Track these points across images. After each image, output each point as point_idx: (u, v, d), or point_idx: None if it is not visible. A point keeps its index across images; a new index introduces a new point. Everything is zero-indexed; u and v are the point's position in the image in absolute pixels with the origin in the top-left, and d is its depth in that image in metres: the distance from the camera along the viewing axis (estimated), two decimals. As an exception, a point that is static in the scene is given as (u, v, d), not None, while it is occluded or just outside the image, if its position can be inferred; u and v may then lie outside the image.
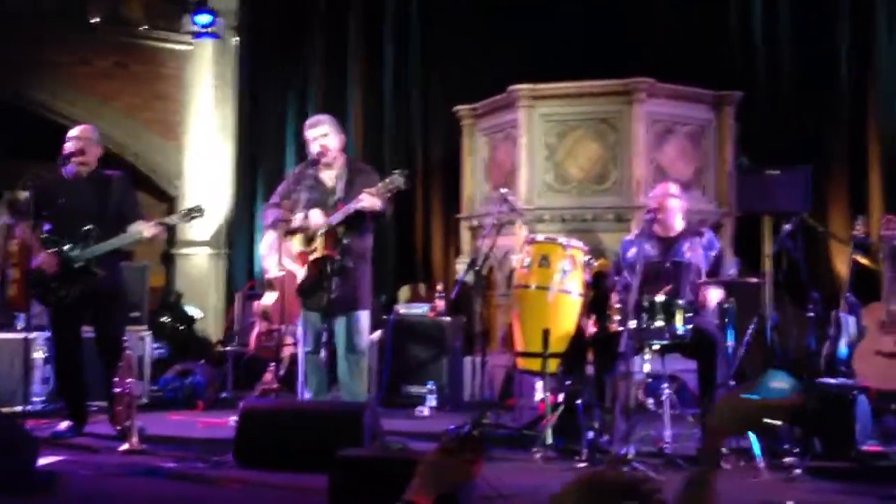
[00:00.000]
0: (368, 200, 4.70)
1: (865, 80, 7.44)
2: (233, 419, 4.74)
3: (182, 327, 8.15)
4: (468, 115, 7.50)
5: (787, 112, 7.42)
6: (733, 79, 7.26)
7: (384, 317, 6.78)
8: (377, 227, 5.14)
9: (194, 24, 8.60)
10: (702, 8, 7.62)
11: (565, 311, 4.78)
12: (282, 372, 6.27)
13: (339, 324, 4.87)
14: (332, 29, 8.80)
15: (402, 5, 8.53)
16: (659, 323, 4.37)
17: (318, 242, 4.79)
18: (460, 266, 7.07)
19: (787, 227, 5.15)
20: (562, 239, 4.93)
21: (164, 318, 8.03)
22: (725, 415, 1.76)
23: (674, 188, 5.07)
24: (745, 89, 7.13)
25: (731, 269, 5.33)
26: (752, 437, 4.10)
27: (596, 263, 5.21)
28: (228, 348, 7.14)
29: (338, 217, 4.77)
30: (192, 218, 5.01)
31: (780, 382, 1.72)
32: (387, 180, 4.74)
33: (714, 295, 4.72)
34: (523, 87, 6.78)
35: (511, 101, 6.89)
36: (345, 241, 4.80)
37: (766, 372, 1.72)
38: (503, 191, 5.52)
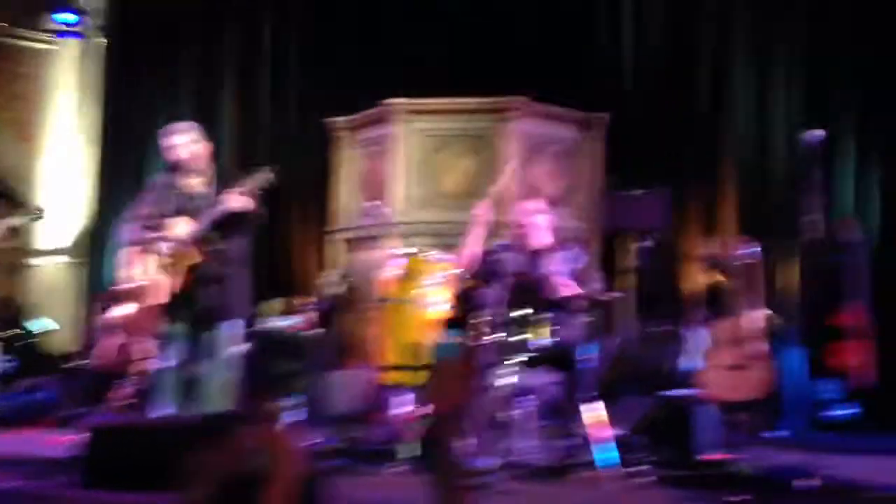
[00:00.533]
0: (238, 201, 4.61)
1: (721, 104, 7.86)
2: (81, 437, 4.52)
3: (33, 340, 7.75)
4: (343, 128, 7.48)
5: (652, 134, 7.75)
6: (602, 100, 7.52)
7: (249, 329, 6.64)
8: (252, 232, 5.02)
9: (57, 22, 8.25)
10: (573, 32, 7.87)
11: (432, 324, 4.81)
12: (137, 387, 6.02)
13: (209, 334, 4.74)
14: (206, 34, 8.61)
15: (280, 14, 8.44)
16: (523, 336, 4.46)
17: (189, 250, 4.64)
18: (331, 279, 7.02)
19: (645, 244, 5.36)
20: (431, 252, 4.96)
21: (15, 331, 7.61)
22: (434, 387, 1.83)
23: (540, 204, 5.19)
24: (612, 111, 7.41)
25: (595, 285, 5.50)
26: (604, 447, 4.23)
27: (467, 278, 5.27)
28: (80, 362, 6.82)
29: (208, 221, 4.65)
30: (33, 220, 4.77)
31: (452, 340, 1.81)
32: (256, 176, 4.66)
33: (578, 307, 4.84)
34: (399, 102, 6.82)
35: (387, 114, 6.91)
36: (219, 247, 4.68)
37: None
38: (375, 203, 5.52)
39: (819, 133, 4.26)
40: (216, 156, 5.15)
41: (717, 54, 7.87)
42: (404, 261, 4.93)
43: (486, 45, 7.82)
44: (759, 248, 5.58)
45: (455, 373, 1.90)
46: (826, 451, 4.61)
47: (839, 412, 6.73)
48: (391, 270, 5.14)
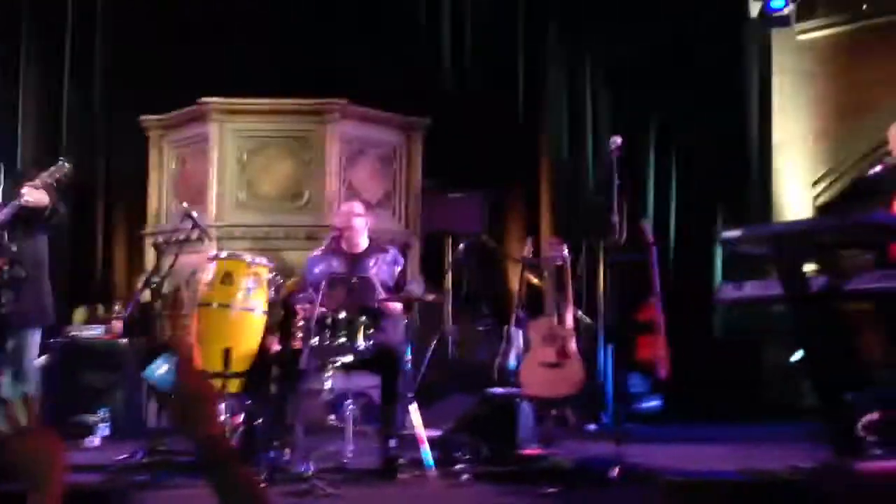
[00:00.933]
0: (32, 195, 4.28)
1: (538, 111, 8.16)
2: None
3: None
4: (156, 127, 7.16)
5: (472, 138, 7.92)
6: (423, 104, 7.61)
7: (53, 339, 6.22)
8: (52, 232, 4.68)
9: None
10: (394, 36, 7.92)
11: (248, 329, 4.66)
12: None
13: (8, 343, 4.37)
14: (2, 30, 7.98)
15: (86, 6, 7.96)
16: (342, 339, 4.42)
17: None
18: (144, 284, 6.68)
19: (462, 246, 5.46)
20: (246, 256, 4.82)
21: None
22: (183, 426, 1.81)
23: (359, 207, 5.17)
24: (433, 115, 7.51)
25: (415, 286, 5.54)
26: (425, 446, 4.27)
27: (288, 282, 5.17)
28: None
29: (-2, 219, 4.28)
30: None
31: (161, 370, 1.81)
32: (51, 169, 4.35)
33: (397, 309, 4.85)
34: (215, 101, 6.62)
35: (202, 113, 6.68)
36: (13, 247, 4.32)
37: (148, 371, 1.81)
38: (187, 206, 5.31)
39: (618, 139, 4.48)
40: (13, 152, 4.78)
41: (533, 62, 8.16)
42: (219, 265, 4.75)
43: (308, 47, 7.72)
44: (568, 250, 5.82)
45: (188, 399, 1.83)
46: (635, 441, 4.85)
47: (645, 404, 7.13)
48: (207, 274, 4.94)
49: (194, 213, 5.24)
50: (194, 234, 5.83)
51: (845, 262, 3.79)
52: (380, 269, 4.95)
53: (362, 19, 7.81)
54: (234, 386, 4.58)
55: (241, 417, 4.52)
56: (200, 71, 7.52)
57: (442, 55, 8.03)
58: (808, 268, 3.92)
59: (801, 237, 3.55)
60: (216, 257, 4.84)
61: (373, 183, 7.08)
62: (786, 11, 8.70)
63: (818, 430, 3.75)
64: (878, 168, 3.94)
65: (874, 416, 5.09)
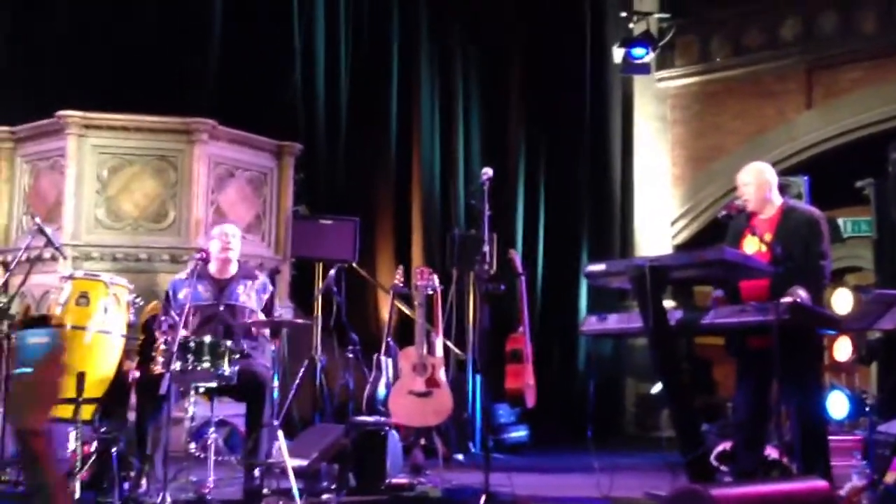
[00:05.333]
0: None
1: (411, 144, 8.23)
2: None
3: None
4: (6, 139, 6.76)
5: (344, 166, 7.89)
6: (296, 130, 7.52)
7: None
8: None
9: None
10: (268, 60, 7.80)
11: (105, 352, 4.43)
12: None
13: None
14: None
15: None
16: (205, 365, 4.25)
17: None
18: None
19: (332, 273, 5.38)
20: (104, 276, 4.59)
21: None
22: (15, 404, 1.78)
23: (233, 230, 4.99)
24: (306, 141, 7.43)
25: (284, 312, 5.42)
26: (290, 476, 4.15)
27: (148, 307, 4.95)
28: None
29: None
30: None
31: (35, 338, 1.79)
32: None
33: (264, 335, 4.73)
34: (73, 114, 6.31)
35: (59, 127, 6.36)
36: None
37: (20, 335, 1.78)
38: (38, 221, 5.02)
39: (489, 170, 4.54)
40: None
41: (406, 96, 8.25)
42: (74, 284, 4.50)
43: (178, 66, 7.49)
44: (438, 280, 5.84)
45: (36, 384, 1.79)
46: (503, 470, 4.88)
47: (513, 434, 7.22)
48: (60, 295, 4.67)
49: (48, 230, 4.95)
50: (47, 253, 5.52)
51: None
52: (248, 297, 4.81)
53: (237, 41, 7.66)
54: (87, 413, 4.33)
55: (94, 446, 4.26)
56: (59, 83, 7.17)
57: (316, 81, 7.98)
58: (667, 303, 4.08)
59: (657, 272, 3.68)
60: (71, 277, 4.58)
61: (242, 206, 6.91)
62: (646, 59, 9.18)
63: (676, 460, 3.87)
64: (725, 211, 4.14)
65: (725, 445, 5.34)
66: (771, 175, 4.21)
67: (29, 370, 1.74)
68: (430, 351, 5.74)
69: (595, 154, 9.36)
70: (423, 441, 5.64)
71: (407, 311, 6.50)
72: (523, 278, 6.08)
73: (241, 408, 4.77)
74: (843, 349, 6.49)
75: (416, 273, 5.91)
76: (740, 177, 4.22)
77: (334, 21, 8.16)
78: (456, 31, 8.78)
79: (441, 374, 5.64)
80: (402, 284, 6.11)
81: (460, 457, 6.34)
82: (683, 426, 3.86)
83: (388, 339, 6.20)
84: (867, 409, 5.16)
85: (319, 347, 6.37)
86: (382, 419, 5.27)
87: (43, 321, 4.72)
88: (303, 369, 5.92)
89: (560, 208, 9.03)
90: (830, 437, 4.32)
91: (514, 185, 8.74)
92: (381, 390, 5.83)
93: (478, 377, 6.31)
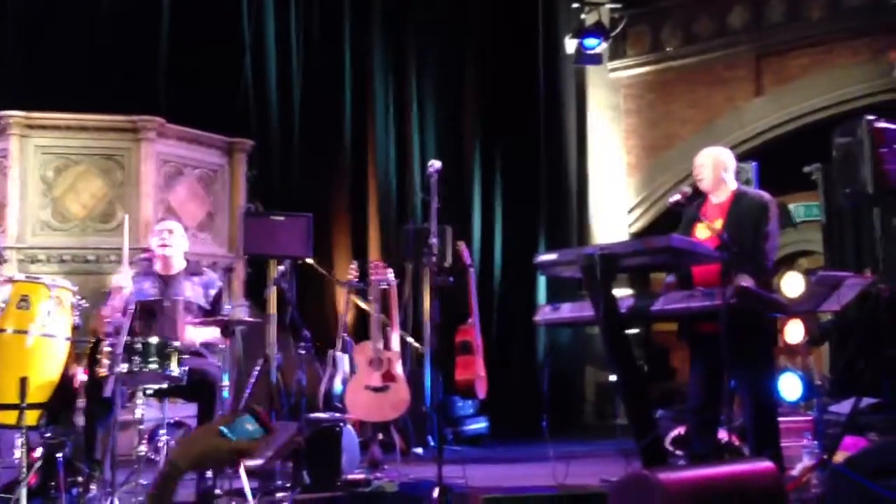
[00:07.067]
0: None
1: (365, 139, 8.18)
2: None
3: None
4: (-53, 140, 6.58)
5: (298, 162, 7.81)
6: (247, 127, 7.44)
7: None
8: None
9: None
10: (216, 54, 7.70)
11: (48, 356, 4.32)
12: None
13: None
14: None
15: None
16: (153, 366, 4.17)
17: None
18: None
19: (281, 268, 5.32)
20: (46, 278, 4.48)
21: None
22: (194, 449, 1.73)
23: (173, 226, 4.91)
24: (258, 138, 7.34)
25: (237, 310, 5.35)
26: (243, 475, 4.10)
27: (96, 311, 4.85)
28: None
29: None
30: None
31: (251, 425, 1.75)
32: None
33: (203, 334, 4.64)
34: (15, 114, 6.17)
35: (0, 128, 6.21)
36: None
37: (241, 414, 1.74)
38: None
39: (437, 164, 4.51)
40: None
41: (360, 93, 8.20)
42: (14, 287, 4.39)
43: (125, 63, 7.36)
44: (392, 274, 5.81)
45: (224, 449, 1.76)
46: (460, 462, 4.87)
47: (471, 426, 7.22)
48: (1, 299, 4.55)
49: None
50: (-9, 257, 5.40)
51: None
52: (195, 293, 4.74)
53: (185, 37, 7.54)
54: (32, 418, 4.23)
55: (40, 452, 4.16)
56: (1, 82, 7.01)
57: (268, 77, 7.89)
58: (625, 290, 4.10)
59: (607, 260, 3.69)
60: (11, 280, 4.47)
61: (193, 205, 6.81)
62: (599, 50, 9.21)
63: (630, 447, 3.89)
64: (676, 197, 4.16)
65: (680, 430, 5.39)
66: (727, 158, 4.25)
67: (228, 435, 1.71)
68: (387, 345, 5.71)
69: (550, 145, 9.38)
70: (380, 436, 5.62)
71: (363, 306, 6.46)
72: (472, 270, 6.07)
73: (190, 407, 4.71)
74: (794, 332, 6.58)
75: (371, 267, 5.88)
76: (697, 158, 4.25)
77: (285, 16, 8.07)
78: (409, 24, 8.73)
79: (398, 369, 5.62)
80: (356, 279, 6.07)
81: (419, 450, 6.32)
82: (636, 412, 3.87)
83: (344, 334, 6.15)
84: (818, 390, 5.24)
85: (275, 345, 6.31)
86: (337, 415, 5.23)
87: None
88: (258, 367, 5.85)
89: (516, 200, 9.04)
90: (782, 419, 4.38)
91: (469, 178, 8.73)
92: (338, 386, 5.78)
93: (435, 370, 6.28)
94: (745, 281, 3.78)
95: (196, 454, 1.73)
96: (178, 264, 4.78)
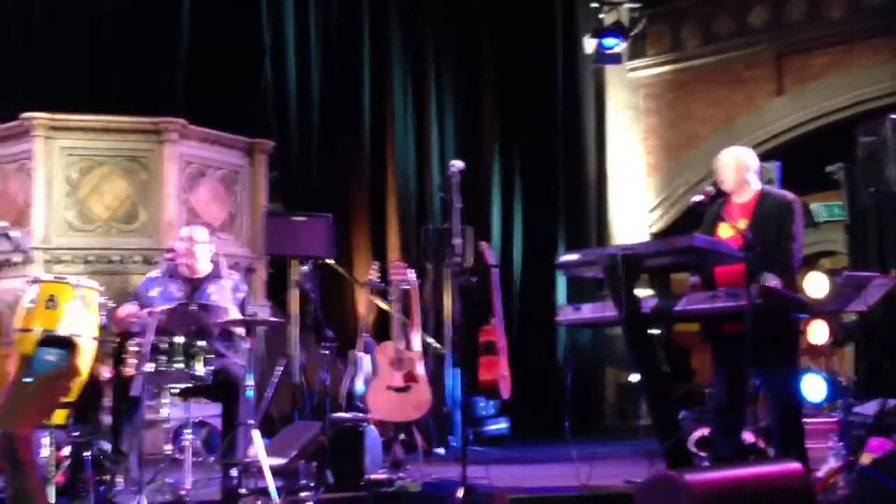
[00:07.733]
0: None
1: (385, 140, 8.20)
2: None
3: None
4: (-29, 142, 6.66)
5: (318, 163, 7.84)
6: (267, 128, 7.47)
7: None
8: None
9: None
10: (237, 56, 7.74)
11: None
12: None
13: None
14: None
15: None
16: (179, 365, 4.21)
17: None
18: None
19: (304, 269, 5.34)
20: (72, 278, 4.52)
21: None
22: (10, 408, 1.72)
23: (200, 232, 4.94)
24: (278, 139, 7.38)
25: (260, 311, 5.37)
26: (268, 476, 4.12)
27: (121, 307, 4.89)
28: None
29: None
30: None
31: (49, 355, 1.74)
32: None
33: (238, 334, 4.68)
34: (40, 116, 6.22)
35: (25, 129, 6.27)
36: None
37: (37, 349, 1.73)
38: (7, 225, 4.95)
39: (459, 164, 4.52)
40: None
41: (379, 94, 8.23)
42: (42, 288, 4.43)
43: (148, 65, 7.42)
44: (414, 275, 5.83)
45: (39, 394, 1.75)
46: (483, 463, 4.87)
47: (493, 427, 7.22)
48: (27, 298, 4.60)
49: (15, 234, 4.88)
50: (16, 257, 5.46)
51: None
52: (222, 296, 4.77)
53: (206, 40, 7.59)
54: (60, 417, 4.27)
55: (68, 450, 4.21)
56: (24, 84, 7.08)
57: (287, 78, 7.93)
58: (641, 291, 4.08)
59: (629, 260, 3.68)
60: (38, 280, 4.51)
61: (215, 206, 6.85)
62: (618, 49, 9.19)
63: (653, 447, 3.88)
64: (699, 197, 4.13)
65: (704, 431, 5.36)
66: (750, 158, 4.21)
67: (30, 379, 1.68)
68: (408, 346, 5.71)
69: (569, 145, 9.37)
70: (402, 436, 5.62)
71: (384, 307, 6.48)
72: (495, 270, 6.06)
73: (216, 407, 4.74)
74: (818, 332, 6.53)
75: (392, 268, 5.89)
76: (719, 159, 4.22)
77: (304, 17, 8.11)
78: (428, 25, 8.75)
79: (419, 369, 5.62)
80: (377, 280, 6.08)
81: (441, 451, 6.33)
82: (660, 413, 3.86)
83: (365, 334, 6.17)
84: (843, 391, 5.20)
85: (298, 345, 6.34)
86: (360, 415, 5.25)
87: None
88: (280, 367, 5.88)
89: (536, 200, 9.03)
90: (807, 420, 4.35)
91: (489, 178, 8.73)
92: (360, 386, 5.80)
93: (456, 371, 6.30)
94: (773, 281, 3.75)
95: (15, 411, 1.69)
96: (204, 268, 4.80)
